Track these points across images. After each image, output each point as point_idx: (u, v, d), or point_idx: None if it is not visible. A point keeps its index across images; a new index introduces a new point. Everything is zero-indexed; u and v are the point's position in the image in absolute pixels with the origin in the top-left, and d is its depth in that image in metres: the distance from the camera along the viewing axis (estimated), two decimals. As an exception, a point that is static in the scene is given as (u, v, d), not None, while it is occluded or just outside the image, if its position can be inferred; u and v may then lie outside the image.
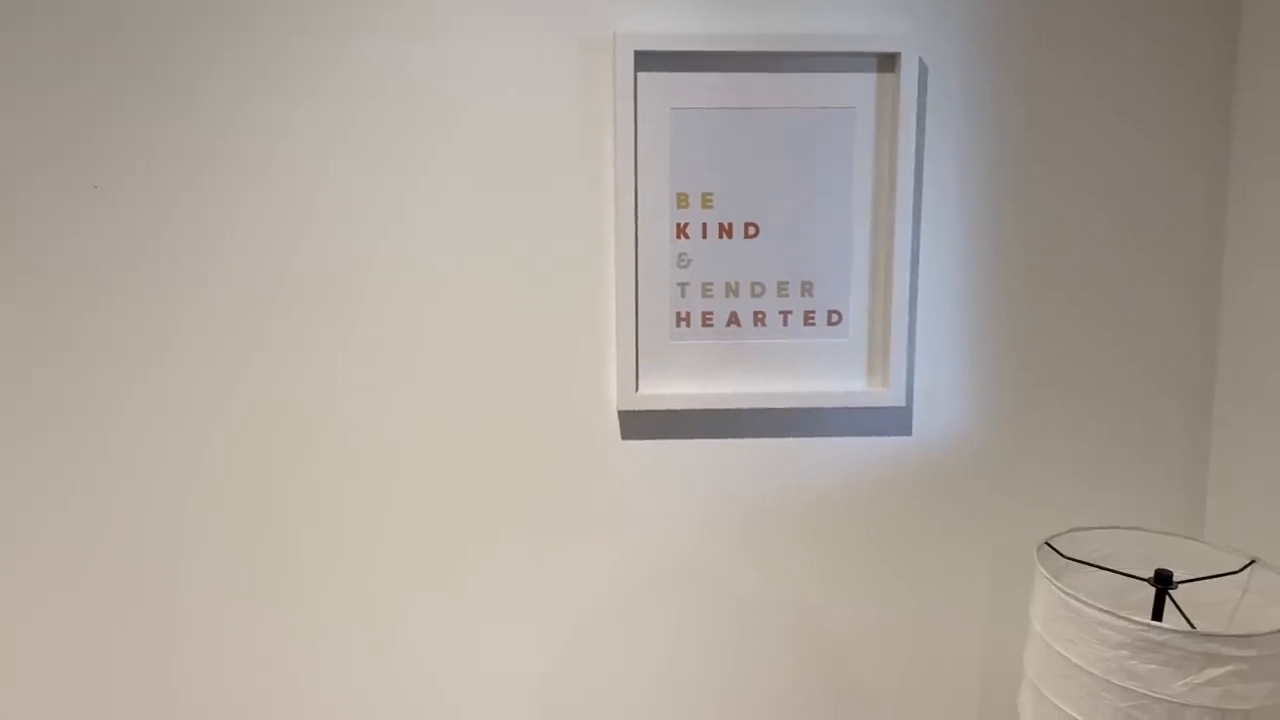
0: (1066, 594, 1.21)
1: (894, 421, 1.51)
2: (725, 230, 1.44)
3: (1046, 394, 1.51)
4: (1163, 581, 1.28)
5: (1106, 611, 1.16)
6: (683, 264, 1.44)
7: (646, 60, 1.38)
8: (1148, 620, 1.14)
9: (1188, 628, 1.16)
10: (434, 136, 1.40)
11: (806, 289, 1.46)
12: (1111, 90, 1.44)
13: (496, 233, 1.43)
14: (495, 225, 1.42)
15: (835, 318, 1.47)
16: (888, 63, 1.41)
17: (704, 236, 1.44)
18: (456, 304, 1.44)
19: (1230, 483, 1.48)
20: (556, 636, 1.54)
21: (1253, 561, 1.31)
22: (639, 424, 1.49)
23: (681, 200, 1.43)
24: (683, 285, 1.45)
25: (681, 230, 1.44)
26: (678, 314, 1.45)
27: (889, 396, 1.47)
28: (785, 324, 1.47)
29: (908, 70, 1.39)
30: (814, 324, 1.47)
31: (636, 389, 1.46)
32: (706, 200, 1.43)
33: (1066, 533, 1.39)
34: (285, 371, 1.44)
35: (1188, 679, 1.12)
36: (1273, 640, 1.12)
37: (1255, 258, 1.41)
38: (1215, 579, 1.32)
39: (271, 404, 1.45)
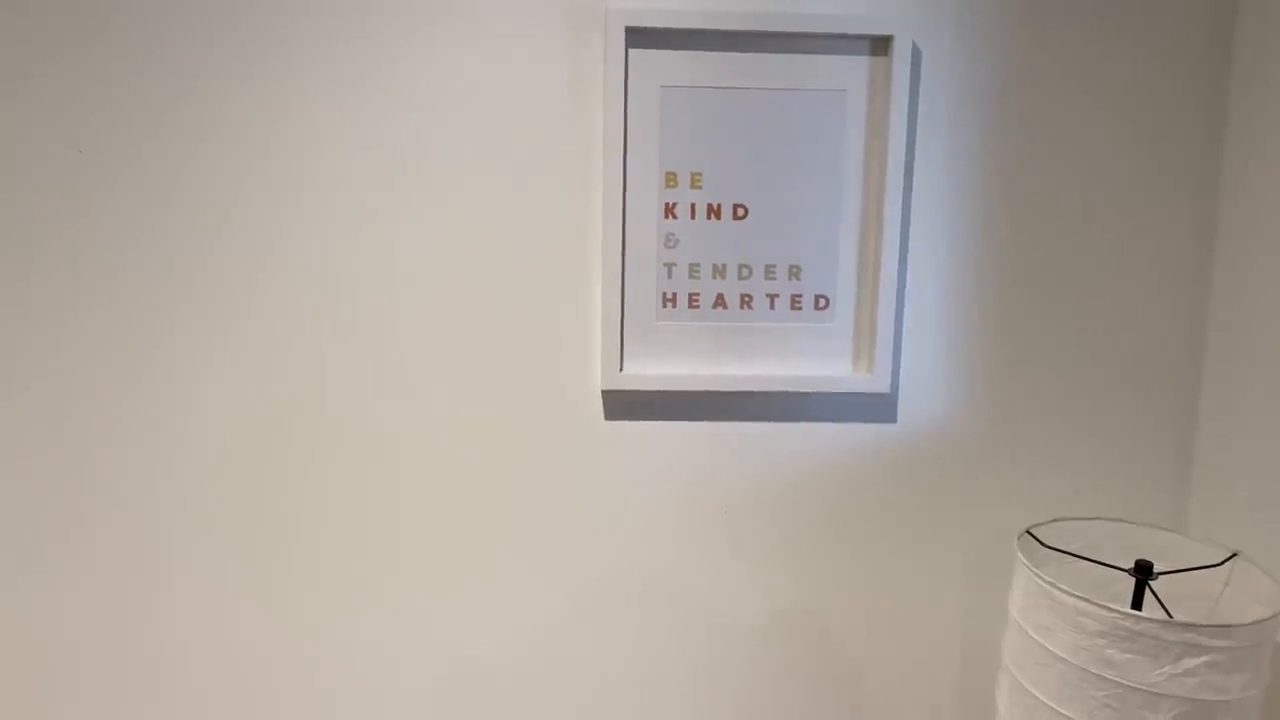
0: (1045, 581, 1.20)
1: (879, 408, 1.50)
2: (714, 211, 1.43)
3: (1033, 383, 1.50)
4: (1143, 572, 1.27)
5: (1084, 600, 1.15)
6: (670, 244, 1.43)
7: (638, 36, 1.37)
8: (1125, 609, 1.13)
9: (1165, 617, 1.15)
10: (420, 113, 1.38)
11: (794, 273, 1.45)
12: (1107, 81, 1.43)
13: (482, 211, 1.41)
14: (481, 203, 1.41)
15: (822, 302, 1.46)
16: (881, 45, 1.39)
17: (692, 217, 1.43)
18: (440, 283, 1.43)
19: (1215, 476, 1.47)
20: (538, 617, 1.53)
21: (1234, 555, 1.30)
22: (623, 404, 1.48)
23: (670, 180, 1.42)
24: (670, 266, 1.44)
25: (670, 210, 1.43)
26: (664, 294, 1.44)
27: (874, 383, 1.46)
28: (772, 307, 1.46)
29: (900, 54, 1.38)
30: (801, 308, 1.46)
31: (621, 369, 1.45)
32: (696, 180, 1.42)
33: (1049, 522, 1.39)
34: (266, 356, 1.42)
35: (1164, 669, 1.12)
36: (1249, 631, 1.11)
37: (1245, 251, 1.40)
38: (1197, 571, 1.31)
39: (252, 390, 1.43)
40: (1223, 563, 1.30)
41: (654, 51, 1.38)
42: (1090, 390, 1.50)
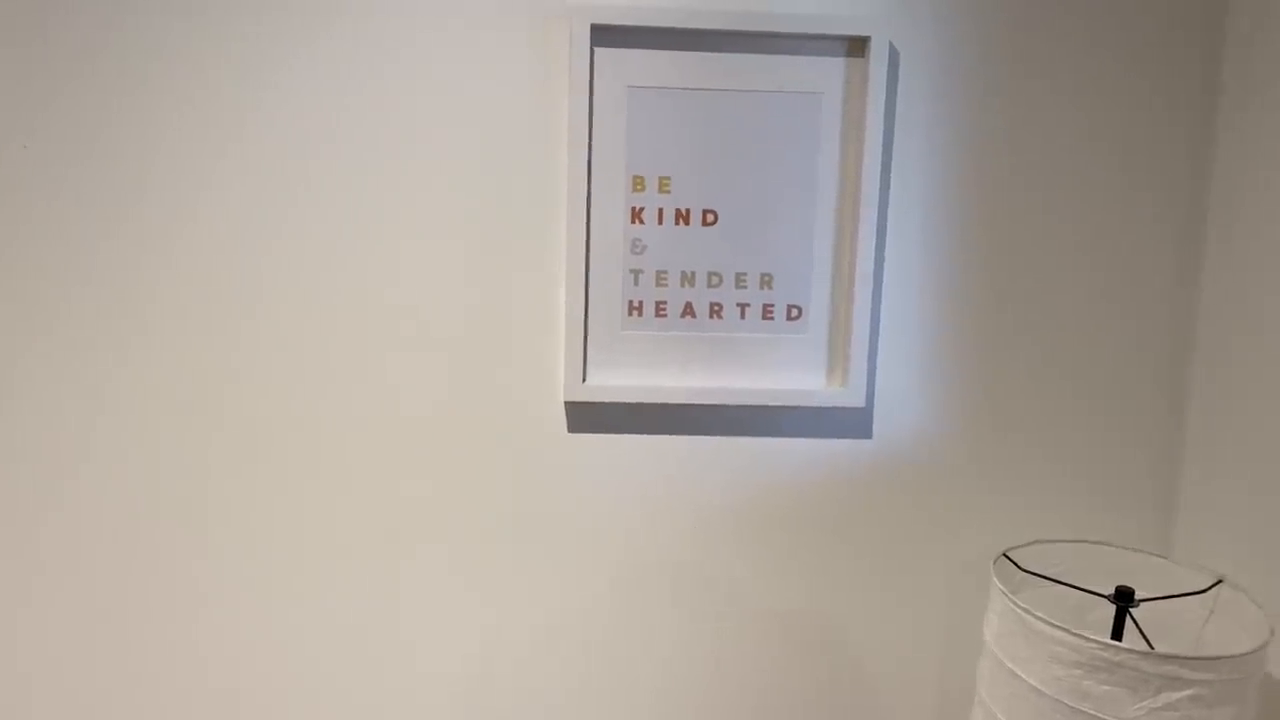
0: (1020, 608, 1.14)
1: (853, 423, 1.44)
2: (682, 216, 1.38)
3: (1013, 400, 1.44)
4: (1123, 599, 1.21)
5: (1060, 628, 1.09)
6: (637, 250, 1.38)
7: (604, 34, 1.31)
8: (1103, 639, 1.07)
9: (1146, 648, 1.09)
10: (376, 110, 1.33)
11: (766, 281, 1.40)
12: (1090, 84, 1.37)
13: (440, 214, 1.36)
14: (439, 206, 1.36)
15: (795, 312, 1.40)
16: (857, 46, 1.34)
17: (660, 222, 1.38)
18: (397, 288, 1.37)
19: (1202, 498, 1.41)
20: (497, 635, 1.47)
21: (1220, 581, 1.24)
22: (586, 416, 1.42)
23: (637, 183, 1.36)
24: (636, 273, 1.38)
25: (637, 215, 1.37)
26: (630, 303, 1.39)
27: (848, 396, 1.40)
28: (743, 317, 1.40)
29: (877, 55, 1.33)
30: (772, 318, 1.40)
31: (584, 379, 1.39)
32: (664, 184, 1.37)
33: (1027, 545, 1.33)
34: (220, 362, 1.37)
35: (1144, 702, 1.06)
36: (1235, 664, 1.05)
37: (1233, 265, 1.35)
38: (1181, 598, 1.25)
39: (205, 396, 1.37)
40: (1208, 589, 1.24)
41: (621, 50, 1.33)
42: (1073, 408, 1.45)
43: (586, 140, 1.33)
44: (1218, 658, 1.05)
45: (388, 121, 1.33)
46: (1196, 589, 1.25)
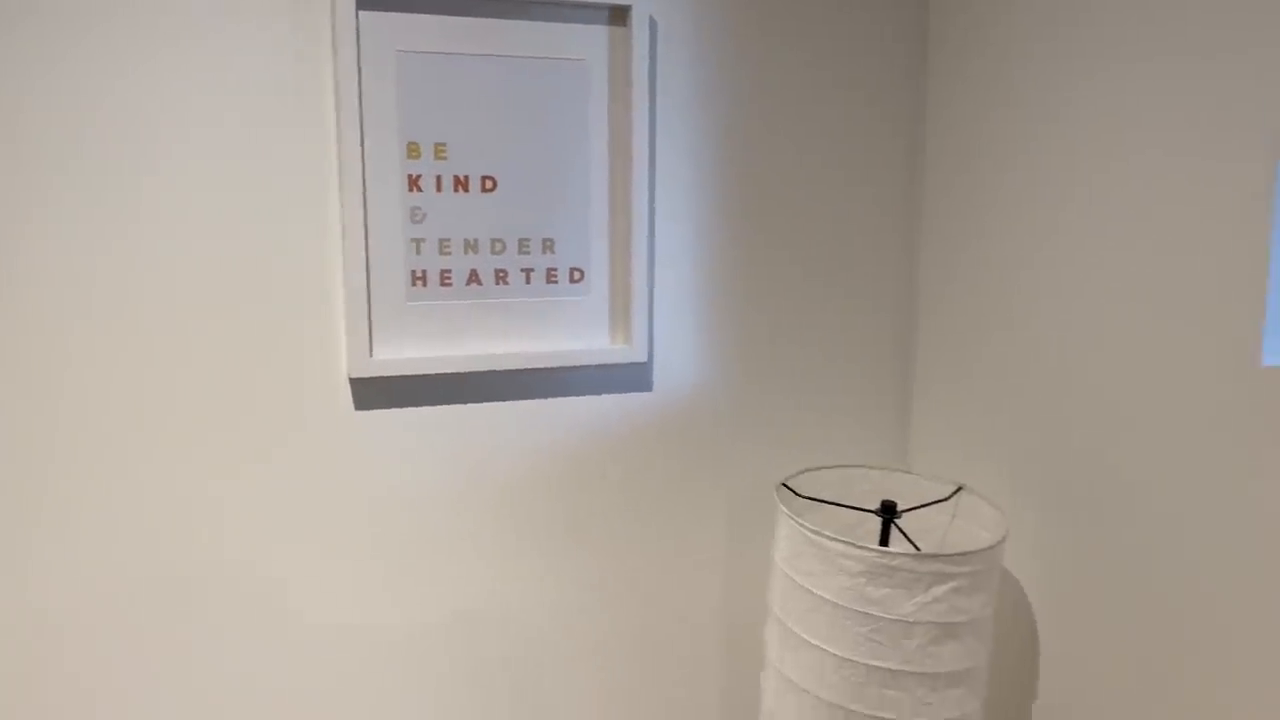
0: (809, 530, 1.27)
1: (636, 378, 1.51)
2: (461, 183, 1.37)
3: (774, 346, 1.57)
4: (888, 512, 1.37)
5: (846, 543, 1.23)
6: (416, 219, 1.36)
7: (368, -3, 1.28)
8: (881, 548, 1.22)
9: (915, 551, 1.24)
10: (127, 80, 1.21)
11: (548, 246, 1.42)
12: (826, 58, 1.51)
13: (205, 191, 1.26)
14: (203, 182, 1.26)
15: (577, 275, 1.45)
16: (619, 15, 1.39)
17: (439, 190, 1.36)
18: (162, 269, 1.26)
19: (931, 420, 1.62)
20: (285, 626, 1.41)
21: (960, 488, 1.43)
22: (374, 392, 1.39)
23: (413, 150, 1.34)
24: (418, 241, 1.36)
25: (414, 183, 1.35)
26: (413, 272, 1.37)
27: (631, 353, 1.47)
28: (528, 282, 1.42)
29: (639, 24, 1.39)
30: (556, 281, 1.44)
31: (370, 354, 1.35)
32: (440, 151, 1.35)
33: (799, 474, 1.46)
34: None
35: (917, 598, 1.21)
36: (985, 556, 1.23)
37: (946, 216, 1.54)
38: (930, 506, 1.43)
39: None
40: (950, 496, 1.43)
41: (387, 14, 1.30)
42: (825, 348, 1.60)
43: (357, 106, 1.29)
44: (971, 552, 1.22)
45: (145, 102, 1.22)
46: (942, 497, 1.44)
